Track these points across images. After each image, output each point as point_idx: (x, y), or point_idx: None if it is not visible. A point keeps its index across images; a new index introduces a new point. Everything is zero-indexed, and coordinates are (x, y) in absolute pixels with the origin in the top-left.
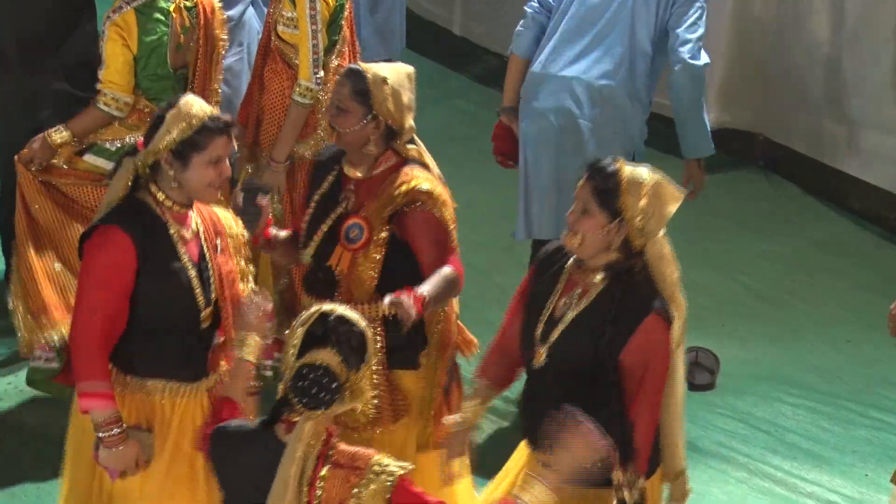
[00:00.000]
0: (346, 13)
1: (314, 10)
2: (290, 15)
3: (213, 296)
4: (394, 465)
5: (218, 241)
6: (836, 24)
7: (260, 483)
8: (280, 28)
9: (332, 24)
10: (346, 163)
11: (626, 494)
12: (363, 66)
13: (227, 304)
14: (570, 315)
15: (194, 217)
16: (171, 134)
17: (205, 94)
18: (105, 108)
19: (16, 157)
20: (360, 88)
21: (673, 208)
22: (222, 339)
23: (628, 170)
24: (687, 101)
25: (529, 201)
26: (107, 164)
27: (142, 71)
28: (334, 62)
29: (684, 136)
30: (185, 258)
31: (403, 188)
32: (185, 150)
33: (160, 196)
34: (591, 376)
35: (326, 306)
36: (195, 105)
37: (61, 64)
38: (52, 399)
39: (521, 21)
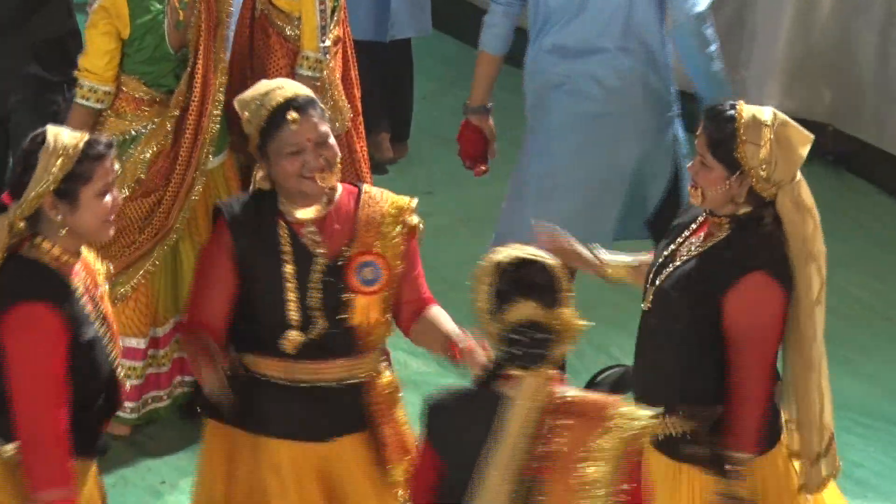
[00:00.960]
0: None
1: None
2: None
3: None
4: (633, 415)
5: (98, 289)
6: None
7: (479, 442)
8: None
9: None
10: (289, 207)
11: (731, 476)
12: (299, 91)
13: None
14: (684, 256)
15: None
16: (49, 173)
17: (208, 79)
18: (83, 102)
19: None
20: (324, 115)
21: (804, 151)
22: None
23: (748, 113)
24: (699, 56)
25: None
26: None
27: (135, 54)
28: (333, 31)
29: (706, 94)
30: (97, 322)
31: (394, 211)
32: (70, 187)
33: (56, 251)
34: (692, 327)
35: (495, 256)
36: (64, 134)
37: (30, 43)
38: None
39: (489, 15)
